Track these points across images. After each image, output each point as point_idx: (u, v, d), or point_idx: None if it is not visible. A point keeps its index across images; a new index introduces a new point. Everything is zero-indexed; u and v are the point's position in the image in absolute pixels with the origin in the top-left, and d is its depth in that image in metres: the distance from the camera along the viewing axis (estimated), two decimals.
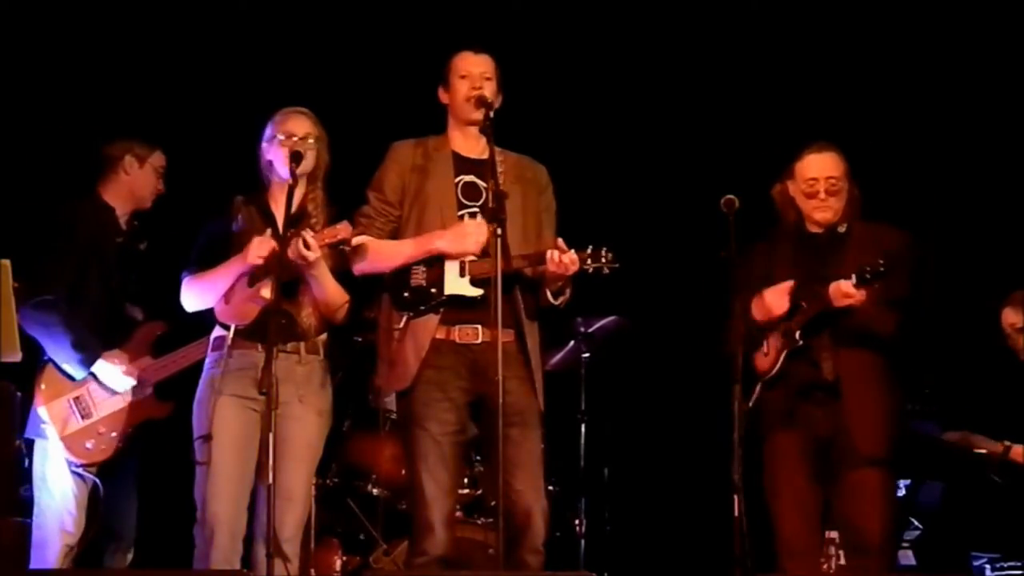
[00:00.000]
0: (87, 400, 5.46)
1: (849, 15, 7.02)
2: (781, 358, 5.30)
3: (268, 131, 5.14)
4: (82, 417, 5.45)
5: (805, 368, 5.25)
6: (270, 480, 4.71)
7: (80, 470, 5.41)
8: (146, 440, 5.68)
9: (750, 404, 5.25)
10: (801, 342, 5.25)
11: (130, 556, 5.59)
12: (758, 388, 5.31)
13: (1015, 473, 5.81)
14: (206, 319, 5.20)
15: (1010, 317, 5.94)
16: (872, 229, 5.30)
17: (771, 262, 5.39)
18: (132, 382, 5.47)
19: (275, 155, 5.10)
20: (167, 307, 5.42)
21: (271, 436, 4.74)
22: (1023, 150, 6.80)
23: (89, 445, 5.43)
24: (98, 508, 5.43)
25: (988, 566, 6.02)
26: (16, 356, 5.21)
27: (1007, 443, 5.78)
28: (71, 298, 5.40)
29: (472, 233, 4.90)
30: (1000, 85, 6.91)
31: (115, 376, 5.46)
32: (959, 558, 5.89)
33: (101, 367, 5.45)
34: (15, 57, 6.59)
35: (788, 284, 5.28)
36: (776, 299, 5.29)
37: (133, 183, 5.63)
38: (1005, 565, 5.98)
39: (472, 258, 4.91)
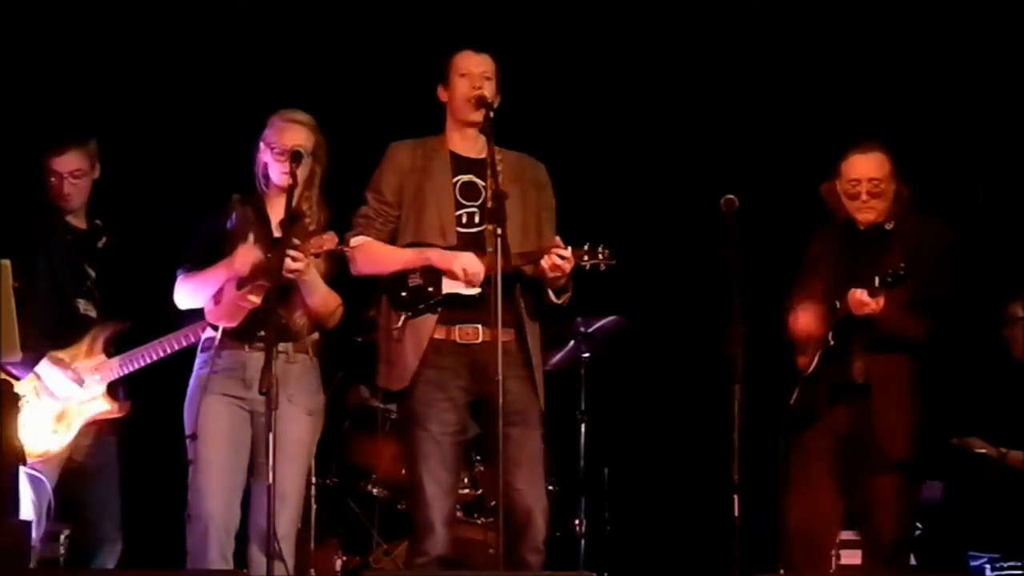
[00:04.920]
0: (33, 399, 5.38)
1: (847, 13, 7.01)
2: (817, 357, 5.33)
3: (267, 135, 5.15)
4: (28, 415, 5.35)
5: (838, 368, 5.29)
6: (269, 480, 4.72)
7: (32, 472, 5.28)
8: (137, 440, 5.66)
9: (791, 402, 5.31)
10: (832, 343, 5.28)
11: (115, 555, 5.52)
12: (798, 387, 5.36)
13: (1013, 476, 5.81)
14: (171, 318, 5.20)
15: (1015, 309, 5.95)
16: (919, 225, 5.32)
17: (820, 255, 5.45)
18: (76, 388, 5.39)
19: (269, 161, 5.13)
20: (129, 305, 5.46)
21: (271, 436, 4.74)
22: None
23: (36, 443, 5.34)
24: (50, 507, 5.35)
25: (988, 566, 6.02)
26: (16, 356, 5.20)
27: (1003, 449, 5.79)
28: (19, 297, 5.18)
29: (462, 260, 4.87)
30: (997, 85, 6.91)
31: (58, 380, 5.38)
32: (959, 558, 5.89)
33: (44, 369, 5.37)
34: (16, 56, 6.58)
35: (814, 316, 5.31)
36: (806, 322, 5.34)
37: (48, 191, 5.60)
38: (1005, 565, 5.98)
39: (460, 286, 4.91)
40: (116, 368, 5.46)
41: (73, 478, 5.44)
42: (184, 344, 5.35)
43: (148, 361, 5.43)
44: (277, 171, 5.11)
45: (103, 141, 5.71)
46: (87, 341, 5.46)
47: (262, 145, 5.16)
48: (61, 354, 5.43)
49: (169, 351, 5.39)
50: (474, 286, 4.88)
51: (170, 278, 5.20)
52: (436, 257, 4.92)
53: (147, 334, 5.48)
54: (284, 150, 5.07)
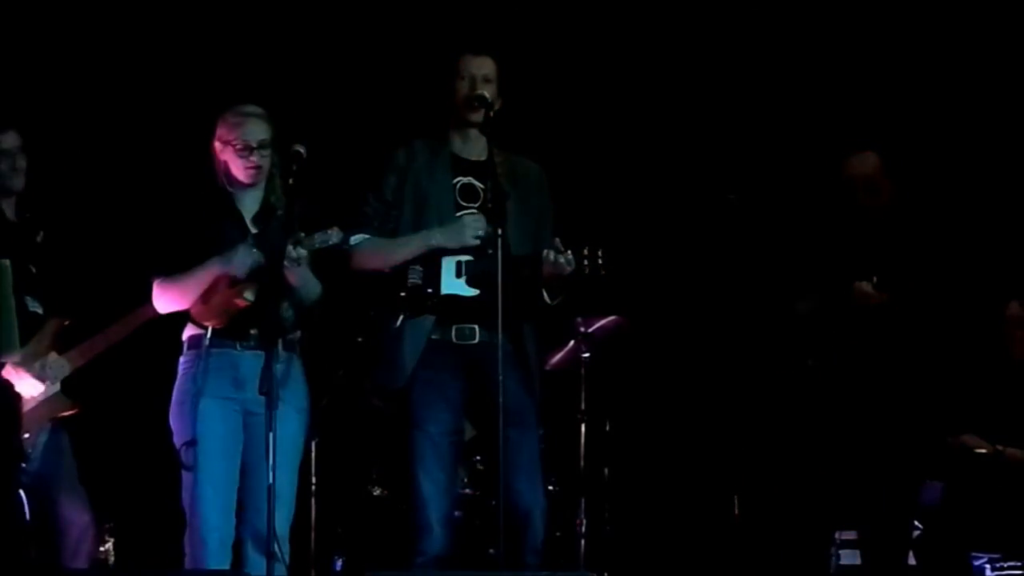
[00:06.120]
0: None
1: (847, 12, 7.02)
2: (817, 355, 5.41)
3: (222, 133, 5.05)
4: None
5: (838, 366, 5.37)
6: (270, 480, 4.71)
7: None
8: (130, 442, 5.62)
9: (791, 402, 5.38)
10: (832, 339, 5.35)
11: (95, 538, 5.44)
12: (797, 386, 5.44)
13: (1012, 473, 5.81)
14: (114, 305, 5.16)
15: (1015, 308, 5.97)
16: (915, 222, 5.45)
17: (820, 252, 5.60)
18: (41, 387, 5.27)
19: (231, 159, 5.04)
20: (72, 299, 5.37)
21: (271, 437, 4.73)
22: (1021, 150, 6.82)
23: None
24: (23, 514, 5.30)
25: (988, 566, 6.02)
26: (16, 356, 5.19)
27: (999, 447, 5.80)
28: None
29: (469, 226, 4.91)
30: (997, 83, 6.91)
31: (25, 383, 5.25)
32: (959, 558, 5.89)
33: (11, 374, 5.21)
34: None
35: None
36: None
37: None
38: (1005, 565, 5.99)
39: (468, 258, 4.92)
40: (69, 364, 5.33)
41: (39, 479, 5.35)
42: (130, 330, 5.25)
43: (99, 351, 5.32)
44: (241, 167, 5.02)
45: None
46: (37, 339, 5.32)
47: (219, 145, 5.06)
48: (20, 355, 5.27)
49: (116, 340, 5.29)
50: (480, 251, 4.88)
51: (113, 267, 5.06)
52: (440, 239, 4.93)
53: (91, 326, 5.37)
54: (247, 145, 4.99)
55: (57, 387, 5.33)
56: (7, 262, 4.87)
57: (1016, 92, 6.86)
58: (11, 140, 5.38)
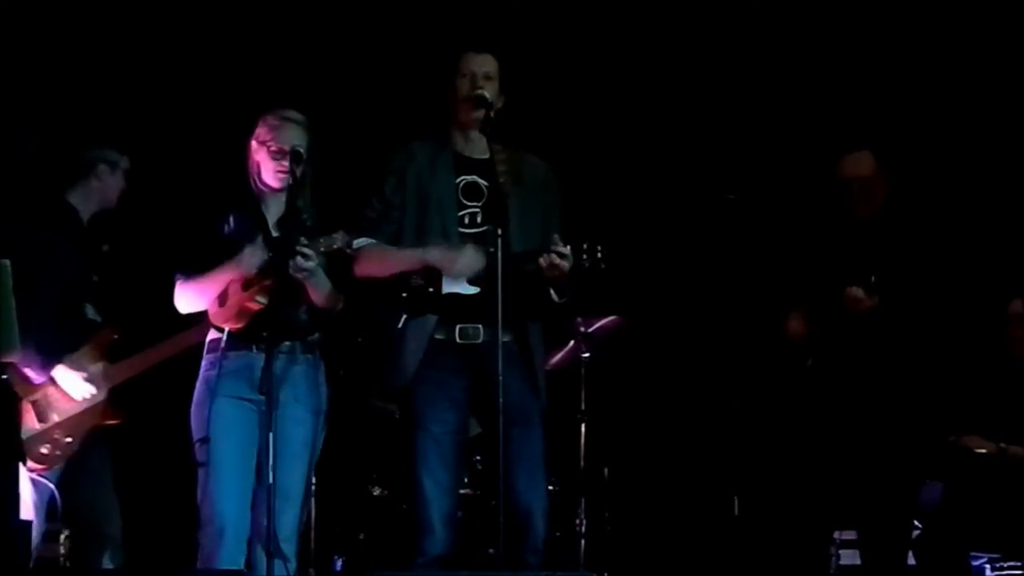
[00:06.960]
0: (44, 404, 5.31)
1: (845, 12, 7.03)
2: (814, 356, 5.42)
3: (260, 133, 5.10)
4: (39, 421, 5.29)
5: (835, 367, 5.38)
6: (270, 480, 4.72)
7: (35, 475, 5.24)
8: (142, 442, 5.63)
9: (789, 401, 5.39)
10: (829, 341, 5.37)
11: (119, 555, 5.52)
12: (796, 385, 5.45)
13: (1013, 471, 5.82)
14: (169, 323, 5.19)
15: (1017, 307, 5.98)
16: (911, 222, 5.46)
17: (816, 253, 5.60)
18: (92, 390, 5.33)
19: (264, 160, 5.09)
20: (129, 310, 5.43)
21: (271, 436, 4.75)
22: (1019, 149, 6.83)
23: (45, 450, 5.28)
24: (56, 514, 5.32)
25: (988, 566, 6.03)
26: (16, 355, 5.18)
27: (1002, 444, 5.80)
28: (22, 299, 4.92)
29: (467, 258, 4.89)
30: (997, 84, 6.92)
31: (75, 383, 5.32)
32: (959, 558, 5.90)
33: (61, 373, 5.31)
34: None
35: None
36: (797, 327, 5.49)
37: (103, 188, 5.53)
38: (1005, 565, 5.99)
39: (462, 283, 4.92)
40: (118, 374, 5.40)
41: (72, 483, 5.40)
42: (183, 347, 5.29)
43: (147, 366, 5.38)
44: (272, 170, 5.08)
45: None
46: (89, 347, 5.39)
47: (255, 144, 5.11)
48: (74, 358, 5.35)
49: (168, 355, 5.34)
50: (474, 280, 4.88)
51: (168, 282, 5.16)
52: (436, 256, 4.92)
53: (145, 339, 5.42)
54: (280, 149, 5.04)
55: (104, 396, 5.38)
56: (7, 262, 4.87)
57: (1014, 92, 6.86)
58: (126, 163, 5.56)
